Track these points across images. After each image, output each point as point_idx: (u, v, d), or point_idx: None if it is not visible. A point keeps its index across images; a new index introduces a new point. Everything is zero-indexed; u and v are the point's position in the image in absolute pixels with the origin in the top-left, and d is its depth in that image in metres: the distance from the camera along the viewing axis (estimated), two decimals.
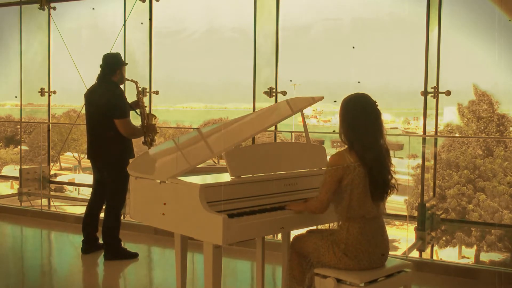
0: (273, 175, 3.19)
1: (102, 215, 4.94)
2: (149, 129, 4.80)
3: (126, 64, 4.88)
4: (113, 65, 4.72)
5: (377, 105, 2.80)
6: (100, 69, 4.77)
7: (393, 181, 2.82)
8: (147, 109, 4.96)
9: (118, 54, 4.89)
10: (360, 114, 2.76)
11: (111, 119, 4.56)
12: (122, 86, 4.88)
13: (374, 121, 2.76)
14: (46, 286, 4.38)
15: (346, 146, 2.81)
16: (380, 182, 2.75)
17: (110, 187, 4.77)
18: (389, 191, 2.82)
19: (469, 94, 18.12)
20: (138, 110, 4.86)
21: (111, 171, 4.73)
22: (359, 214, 2.74)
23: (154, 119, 4.88)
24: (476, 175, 16.25)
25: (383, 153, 2.78)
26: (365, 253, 2.75)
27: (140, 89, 4.91)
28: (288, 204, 3.04)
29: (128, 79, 4.84)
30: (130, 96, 4.98)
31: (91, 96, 4.81)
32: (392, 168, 2.84)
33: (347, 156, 2.74)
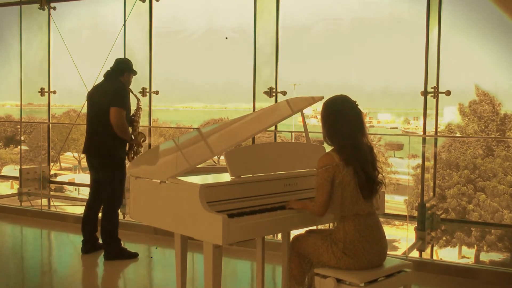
0: (273, 175, 3.19)
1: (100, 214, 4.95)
2: (135, 142, 4.85)
3: (136, 73, 4.92)
4: (123, 67, 4.81)
5: (357, 105, 2.84)
6: (109, 69, 4.84)
7: (380, 176, 2.85)
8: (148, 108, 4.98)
9: (130, 61, 4.96)
10: (339, 115, 2.82)
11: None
12: None
13: (354, 121, 2.81)
14: (46, 286, 4.38)
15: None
16: (365, 180, 2.77)
17: (106, 186, 4.78)
18: (378, 187, 2.84)
19: (469, 94, 18.14)
20: (132, 125, 4.88)
21: (107, 170, 4.74)
22: (352, 212, 2.76)
23: (143, 140, 4.94)
24: (476, 175, 16.27)
25: (365, 151, 2.81)
26: (363, 250, 2.76)
27: (140, 106, 4.96)
28: (287, 203, 3.04)
29: (132, 92, 4.87)
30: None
31: (95, 91, 4.86)
32: (379, 164, 2.88)
33: (335, 155, 2.77)
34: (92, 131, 4.79)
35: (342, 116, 2.81)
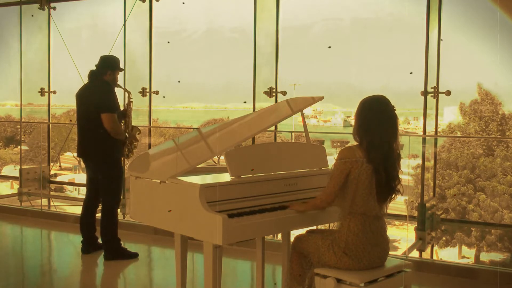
0: (273, 175, 3.19)
1: (98, 215, 4.94)
2: (130, 137, 4.85)
3: (122, 70, 4.90)
4: (106, 65, 4.76)
5: (394, 109, 2.82)
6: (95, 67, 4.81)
7: (399, 186, 2.83)
8: (145, 110, 4.97)
9: (115, 57, 4.91)
10: (374, 114, 2.78)
11: (100, 116, 4.57)
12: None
13: (388, 123, 2.78)
14: (46, 286, 4.38)
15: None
16: (384, 182, 2.75)
17: (104, 186, 4.77)
18: (393, 194, 2.83)
19: (469, 94, 18.14)
20: (124, 120, 4.87)
21: (103, 170, 4.73)
22: (361, 211, 2.75)
23: (138, 133, 4.93)
24: (476, 175, 16.26)
25: (393, 156, 2.79)
26: (364, 252, 2.76)
27: (131, 99, 4.94)
28: (290, 205, 3.04)
29: (121, 87, 4.85)
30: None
31: (82, 93, 4.83)
32: (400, 174, 2.86)
33: (357, 151, 2.76)
34: (83, 134, 4.78)
35: (379, 117, 2.77)
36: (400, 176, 2.85)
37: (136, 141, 4.92)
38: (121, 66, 4.97)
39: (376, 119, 2.77)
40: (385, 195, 2.80)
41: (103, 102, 4.60)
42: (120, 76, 4.93)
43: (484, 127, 17.52)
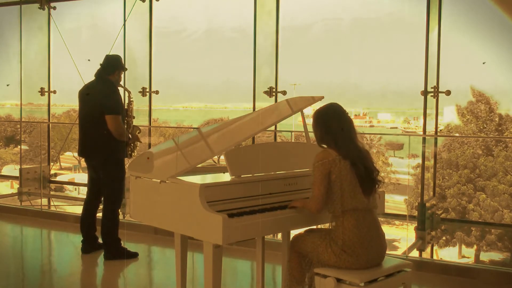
0: (273, 175, 3.19)
1: (99, 214, 4.94)
2: (132, 138, 4.84)
3: (126, 69, 4.89)
4: (113, 65, 4.75)
5: (347, 113, 2.99)
6: (100, 66, 4.79)
7: (379, 176, 2.93)
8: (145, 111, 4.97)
9: (120, 57, 4.91)
10: (333, 119, 2.92)
11: (104, 116, 4.57)
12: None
13: (347, 125, 2.92)
14: (46, 286, 4.38)
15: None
16: (364, 173, 2.83)
17: (105, 186, 4.77)
18: (377, 185, 2.91)
19: (469, 94, 18.15)
20: (125, 120, 4.87)
21: (105, 170, 4.73)
22: (352, 206, 2.79)
23: (138, 132, 4.92)
24: (476, 174, 16.26)
25: (363, 151, 2.91)
26: (362, 248, 2.77)
27: (132, 99, 4.93)
28: (291, 203, 3.05)
29: (122, 86, 4.86)
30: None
31: (86, 92, 4.82)
32: (377, 166, 2.97)
33: (331, 151, 2.84)
34: (85, 133, 4.76)
35: (336, 119, 2.91)
36: (377, 168, 2.96)
37: (139, 141, 4.91)
38: None
39: (336, 123, 2.90)
40: (369, 186, 2.86)
41: (108, 103, 4.59)
42: None
43: (481, 128, 17.53)
